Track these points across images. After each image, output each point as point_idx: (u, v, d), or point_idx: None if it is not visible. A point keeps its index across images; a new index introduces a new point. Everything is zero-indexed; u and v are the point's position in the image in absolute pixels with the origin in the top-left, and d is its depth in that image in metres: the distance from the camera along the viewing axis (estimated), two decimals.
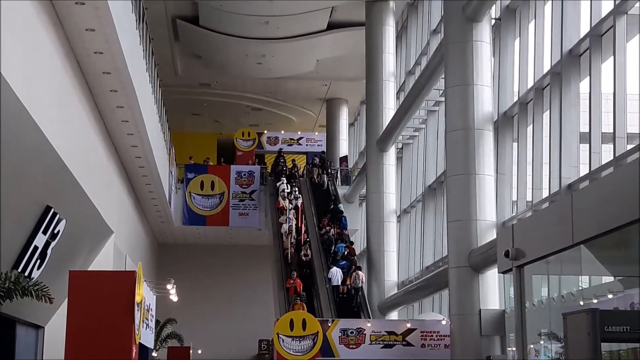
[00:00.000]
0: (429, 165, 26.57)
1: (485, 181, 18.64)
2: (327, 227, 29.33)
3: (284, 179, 32.05)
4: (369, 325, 20.50)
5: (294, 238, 27.87)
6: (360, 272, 26.36)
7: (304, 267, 26.78)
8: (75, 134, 17.12)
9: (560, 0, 16.44)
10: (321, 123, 43.71)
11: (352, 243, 28.89)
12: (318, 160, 34.98)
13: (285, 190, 30.43)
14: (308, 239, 28.21)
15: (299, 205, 29.79)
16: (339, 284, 26.00)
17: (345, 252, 27.52)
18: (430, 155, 26.51)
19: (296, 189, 31.07)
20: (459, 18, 19.32)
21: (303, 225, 29.04)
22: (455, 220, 18.94)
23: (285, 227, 28.20)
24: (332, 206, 31.56)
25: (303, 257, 27.06)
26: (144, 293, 15.86)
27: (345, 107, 41.99)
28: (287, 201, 29.59)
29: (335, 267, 26.39)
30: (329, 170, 35.22)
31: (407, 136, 29.29)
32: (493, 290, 18.48)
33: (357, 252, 30.25)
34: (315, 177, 33.90)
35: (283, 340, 19.71)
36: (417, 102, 25.47)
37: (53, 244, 16.17)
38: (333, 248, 28.06)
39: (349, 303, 25.78)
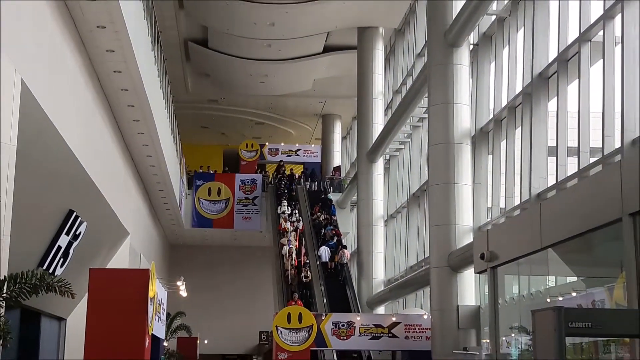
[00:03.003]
0: (413, 175, 26.57)
1: (463, 190, 18.66)
2: (318, 214, 30.89)
3: (285, 201, 31.38)
4: (358, 318, 20.47)
5: (294, 260, 27.14)
6: (345, 251, 28.08)
7: (304, 288, 26.05)
8: (95, 145, 17.13)
9: (531, 28, 16.50)
10: (317, 136, 43.72)
11: (337, 227, 30.18)
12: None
13: (286, 212, 30.15)
14: (308, 261, 27.49)
15: (300, 227, 29.32)
16: (327, 260, 27.62)
17: (332, 234, 28.97)
18: (415, 166, 26.51)
19: (297, 211, 30.64)
20: (441, 43, 19.37)
21: (303, 247, 28.26)
22: (437, 225, 18.95)
23: (285, 249, 27.59)
24: (323, 196, 33.10)
25: (303, 279, 26.34)
26: (157, 289, 15.86)
27: (338, 122, 42.01)
28: (288, 223, 29.20)
29: (324, 246, 28.08)
30: (321, 180, 35.78)
31: (394, 149, 29.29)
32: (469, 288, 18.47)
33: (349, 257, 30.26)
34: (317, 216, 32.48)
35: (281, 332, 19.69)
36: (403, 118, 25.50)
37: (75, 244, 16.18)
38: (323, 231, 29.59)
39: (336, 277, 27.30)
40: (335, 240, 28.74)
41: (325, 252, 28.01)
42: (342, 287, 27.16)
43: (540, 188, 15.43)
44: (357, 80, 30.69)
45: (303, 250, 27.90)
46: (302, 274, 26.50)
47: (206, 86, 37.08)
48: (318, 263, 27.86)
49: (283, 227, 29.20)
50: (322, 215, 30.80)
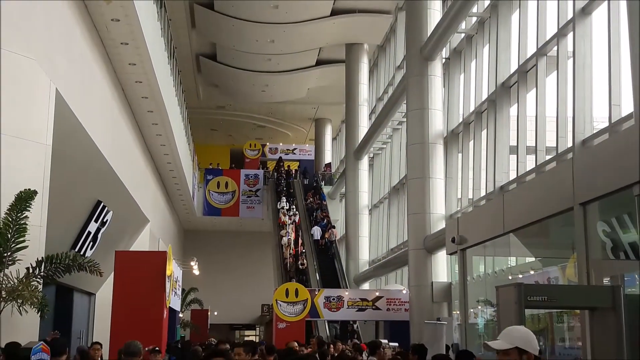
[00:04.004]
0: (393, 170, 26.57)
1: (437, 183, 18.67)
2: (311, 199, 31.64)
3: (284, 197, 31.31)
4: (346, 293, 20.47)
5: (292, 249, 27.09)
6: (334, 230, 28.63)
7: (300, 274, 25.80)
8: (120, 145, 17.06)
9: (495, 44, 16.48)
10: (311, 137, 43.68)
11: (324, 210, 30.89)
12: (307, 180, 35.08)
13: (285, 208, 30.08)
14: (304, 250, 27.32)
15: (297, 220, 29.28)
16: (319, 238, 28.05)
17: (323, 215, 29.67)
18: (395, 162, 26.51)
19: (294, 206, 30.51)
20: (417, 57, 19.35)
21: (300, 238, 28.06)
22: (414, 213, 18.96)
23: (285, 239, 27.46)
24: (315, 184, 33.85)
25: (300, 266, 26.18)
26: (173, 268, 15.81)
27: (329, 125, 41.97)
28: (287, 217, 29.17)
29: (316, 226, 28.65)
30: (312, 176, 35.88)
31: (377, 148, 29.28)
32: (442, 267, 18.49)
33: (338, 237, 30.31)
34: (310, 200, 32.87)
35: (280, 305, 19.67)
36: (385, 122, 25.48)
37: (102, 230, 16.13)
38: (315, 213, 30.26)
39: (326, 252, 27.73)
40: (325, 221, 29.12)
41: (317, 231, 28.38)
42: (331, 262, 27.23)
43: (503, 181, 15.44)
44: (345, 89, 30.65)
45: (300, 241, 27.75)
46: (299, 262, 26.35)
47: (215, 94, 36.98)
48: (311, 240, 28.15)
49: (282, 220, 29.07)
50: (314, 200, 31.49)
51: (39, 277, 8.99)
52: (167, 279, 14.18)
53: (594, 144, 11.10)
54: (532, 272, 12.65)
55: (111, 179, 15.88)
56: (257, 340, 37.39)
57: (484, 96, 17.11)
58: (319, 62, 32.62)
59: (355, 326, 23.13)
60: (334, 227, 28.94)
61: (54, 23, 11.02)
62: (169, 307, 15.20)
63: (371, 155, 30.20)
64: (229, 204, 34.39)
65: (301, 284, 21.33)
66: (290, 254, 26.79)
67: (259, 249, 39.48)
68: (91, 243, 15.67)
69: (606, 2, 11.58)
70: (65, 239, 14.38)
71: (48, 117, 10.17)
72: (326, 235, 28.15)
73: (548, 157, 13.29)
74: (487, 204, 15.18)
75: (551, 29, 13.65)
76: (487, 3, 17.22)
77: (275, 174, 35.15)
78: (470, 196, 17.94)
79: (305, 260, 26.51)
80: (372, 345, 10.24)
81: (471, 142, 18.15)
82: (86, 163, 13.88)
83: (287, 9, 26.53)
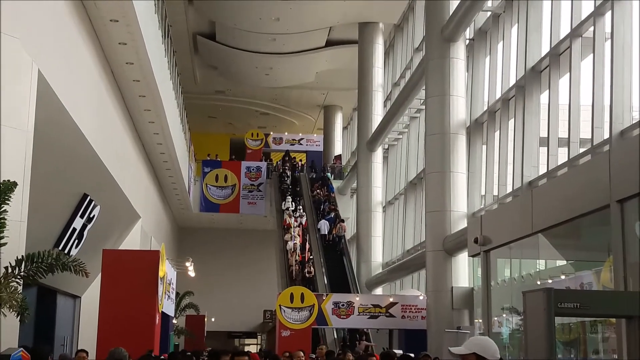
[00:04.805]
0: (410, 163, 26.53)
1: (458, 178, 18.63)
2: (318, 190, 31.68)
3: (289, 197, 30.57)
4: (357, 299, 20.48)
5: (298, 256, 26.55)
6: (343, 224, 28.56)
7: (307, 284, 24.77)
8: (109, 133, 17.11)
9: (525, 24, 16.43)
10: (319, 126, 43.67)
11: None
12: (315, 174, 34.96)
13: (290, 209, 29.63)
14: (311, 257, 26.77)
15: (304, 223, 28.76)
16: (326, 233, 28.14)
17: (331, 209, 29.76)
18: (412, 155, 26.47)
19: (301, 207, 29.91)
20: (438, 38, 19.29)
21: (307, 243, 27.52)
22: (432, 211, 18.93)
23: (290, 244, 26.96)
24: (322, 175, 33.82)
25: (307, 274, 25.67)
26: (166, 269, 15.87)
27: (340, 113, 41.95)
28: (292, 219, 28.73)
29: (323, 220, 28.69)
30: (321, 170, 35.79)
31: (392, 138, 29.24)
32: (463, 271, 18.47)
33: (348, 237, 30.36)
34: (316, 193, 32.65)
35: (284, 310, 19.70)
36: (402, 110, 25.43)
37: (89, 226, 16.19)
38: (322, 206, 30.32)
39: (334, 247, 27.87)
40: (333, 215, 29.20)
41: (324, 225, 28.45)
42: (340, 261, 27.26)
43: (531, 176, 15.41)
44: (357, 73, 30.58)
45: (307, 246, 27.22)
46: (306, 270, 25.89)
47: (214, 78, 37.00)
48: (317, 236, 28.22)
49: (287, 222, 28.59)
50: (322, 192, 31.56)
51: (18, 277, 9.03)
52: (159, 281, 14.23)
53: (633, 135, 11.06)
54: (563, 277, 12.64)
55: (99, 170, 15.92)
56: (258, 350, 37.50)
57: (512, 82, 17.06)
58: (329, 43, 32.57)
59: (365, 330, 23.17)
60: (342, 220, 29.03)
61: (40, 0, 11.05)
62: (162, 312, 15.26)
63: (386, 146, 30.17)
64: (228, 199, 34.45)
65: (307, 289, 21.33)
66: (296, 260, 26.38)
67: (261, 249, 39.55)
68: (76, 241, 15.73)
69: None
70: (48, 236, 14.44)
71: (29, 101, 10.21)
72: (334, 230, 28.18)
73: (582, 150, 13.25)
74: (514, 201, 15.16)
75: (587, 8, 13.60)
76: None
77: (280, 169, 35.05)
78: (495, 192, 17.91)
79: (312, 268, 26.03)
80: (385, 356, 10.23)
81: (497, 133, 18.12)
82: (71, 152, 13.93)
83: None
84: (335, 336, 22.31)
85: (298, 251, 26.83)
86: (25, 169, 9.91)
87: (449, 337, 15.21)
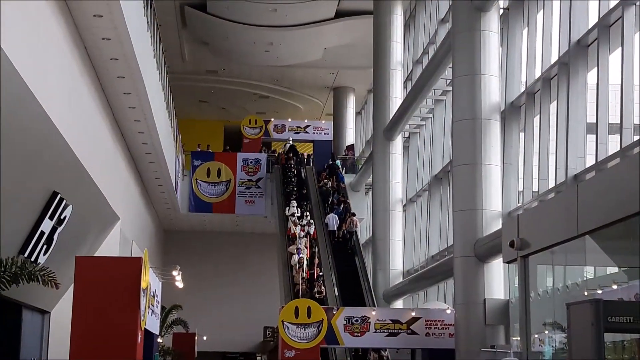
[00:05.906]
0: (435, 154, 26.56)
1: (492, 171, 18.64)
2: (325, 180, 32.25)
3: (294, 202, 29.85)
4: (373, 313, 20.51)
5: (305, 272, 25.48)
6: (354, 218, 28.89)
7: None
8: (82, 121, 17.13)
9: None
10: (328, 111, 43.70)
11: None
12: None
13: (296, 215, 28.77)
14: (321, 273, 25.84)
15: (312, 232, 27.92)
16: (335, 229, 28.49)
17: (340, 201, 30.39)
18: (437, 144, 26.50)
19: (307, 213, 29.14)
20: (467, 7, 19.28)
21: (316, 257, 26.59)
22: (461, 209, 18.95)
23: (295, 258, 25.88)
24: (330, 162, 34.22)
25: (316, 295, 24.35)
26: (150, 279, 15.91)
27: (352, 96, 41.97)
28: (298, 227, 27.76)
29: (331, 214, 29.10)
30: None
31: (414, 125, 29.28)
32: (498, 280, 18.49)
33: (362, 241, 30.39)
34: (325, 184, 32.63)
35: (288, 327, 19.75)
36: (425, 91, 25.44)
37: (59, 229, 16.20)
38: (331, 199, 30.77)
39: (345, 246, 28.37)
40: (342, 208, 29.50)
41: (333, 219, 28.72)
42: (352, 263, 27.37)
43: (577, 169, 15.40)
44: (372, 49, 30.62)
45: (316, 261, 26.38)
46: (315, 290, 24.81)
47: (205, 55, 37.05)
48: (325, 232, 28.59)
49: (292, 232, 27.69)
50: (330, 183, 31.87)
51: None
52: (142, 292, 14.27)
53: None
54: (614, 287, 12.63)
55: (71, 164, 15.96)
56: None
57: (554, 58, 17.05)
58: (339, 14, 32.59)
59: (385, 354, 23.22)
60: (354, 214, 29.19)
61: None
62: (145, 329, 15.30)
63: (406, 134, 30.19)
64: (222, 198, 34.53)
65: (314, 302, 21.36)
66: (302, 277, 25.32)
67: (261, 256, 39.64)
68: (45, 246, 15.76)
69: None
70: (12, 241, 14.48)
71: None
72: (344, 226, 28.22)
73: (636, 138, 13.22)
74: (557, 198, 15.14)
75: None
76: None
77: (283, 162, 34.98)
78: (535, 188, 17.92)
79: (323, 288, 25.06)
80: None
81: (536, 118, 18.11)
82: (38, 143, 13.96)
83: None
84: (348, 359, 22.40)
85: (305, 267, 25.77)
86: None
87: (482, 358, 15.23)
